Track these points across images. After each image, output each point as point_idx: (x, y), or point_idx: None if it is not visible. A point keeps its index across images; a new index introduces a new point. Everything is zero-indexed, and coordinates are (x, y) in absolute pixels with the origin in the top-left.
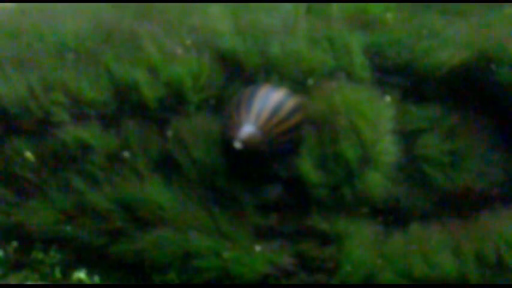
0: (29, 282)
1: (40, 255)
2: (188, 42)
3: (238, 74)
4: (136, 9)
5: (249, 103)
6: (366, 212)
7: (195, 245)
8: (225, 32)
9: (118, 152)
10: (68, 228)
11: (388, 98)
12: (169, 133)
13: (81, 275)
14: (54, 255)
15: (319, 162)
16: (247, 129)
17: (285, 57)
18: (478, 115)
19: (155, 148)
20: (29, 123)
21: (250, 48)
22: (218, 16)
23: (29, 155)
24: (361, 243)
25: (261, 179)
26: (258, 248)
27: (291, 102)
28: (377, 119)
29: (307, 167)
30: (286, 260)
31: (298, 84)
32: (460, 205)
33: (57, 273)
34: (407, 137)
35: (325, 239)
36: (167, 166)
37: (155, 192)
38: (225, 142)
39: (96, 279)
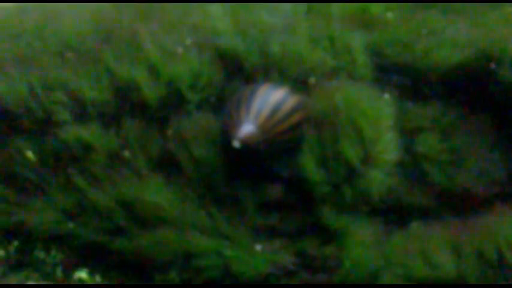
0: (30, 282)
1: (41, 255)
2: (188, 41)
3: (238, 73)
4: (136, 9)
5: (249, 102)
6: (367, 211)
7: (195, 244)
8: (225, 31)
9: (118, 151)
10: (69, 227)
11: (387, 96)
12: (170, 132)
13: (82, 274)
14: (56, 254)
15: (320, 161)
16: (247, 128)
17: (286, 57)
18: (477, 114)
19: (155, 147)
20: (30, 123)
21: (251, 47)
22: (218, 15)
23: (29, 154)
24: (362, 242)
25: (261, 178)
26: (258, 247)
27: (291, 102)
28: (377, 118)
29: (308, 165)
30: (287, 259)
31: (298, 84)
32: (460, 204)
33: (59, 273)
34: (408, 136)
35: (326, 238)
36: (167, 165)
37: (155, 191)
38: (225, 141)
39: (97, 279)
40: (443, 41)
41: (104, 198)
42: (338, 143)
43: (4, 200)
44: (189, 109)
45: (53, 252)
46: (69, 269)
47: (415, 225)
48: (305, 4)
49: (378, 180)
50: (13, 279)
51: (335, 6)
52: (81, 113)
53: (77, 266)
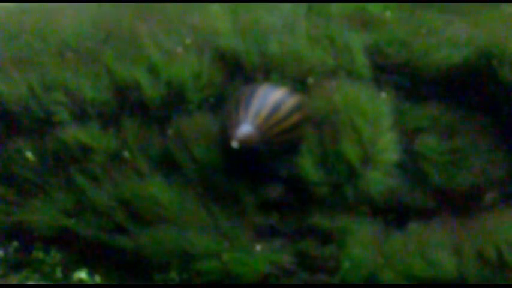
0: (29, 282)
1: (41, 255)
2: (188, 41)
3: (238, 73)
4: (136, 9)
5: (248, 102)
6: (366, 211)
7: (195, 244)
8: (225, 31)
9: (118, 151)
10: (69, 227)
11: (386, 96)
12: (170, 132)
13: (82, 275)
14: (55, 255)
15: (320, 161)
16: (245, 129)
17: (285, 56)
18: (477, 113)
19: (155, 147)
20: (30, 123)
21: (250, 47)
22: (218, 15)
23: (29, 154)
24: (362, 242)
25: (261, 178)
26: (258, 247)
27: (291, 102)
28: (377, 118)
29: (307, 165)
30: (286, 259)
31: (298, 83)
32: (460, 204)
33: (58, 273)
34: (407, 136)
35: (325, 238)
36: (167, 165)
37: (155, 191)
38: (225, 141)
39: (97, 279)
40: (442, 40)
41: (104, 198)
42: (337, 143)
43: (3, 200)
44: (189, 109)
45: (53, 253)
46: (68, 269)
47: (414, 225)
48: (305, 4)
49: (378, 180)
50: (12, 280)
51: (334, 6)
52: (81, 113)
53: (77, 266)
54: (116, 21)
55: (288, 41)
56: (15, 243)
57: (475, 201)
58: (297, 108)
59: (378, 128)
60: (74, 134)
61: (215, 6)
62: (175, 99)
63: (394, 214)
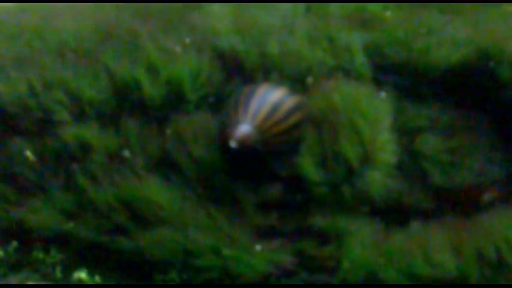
0: (29, 282)
1: (40, 255)
2: (187, 41)
3: (237, 73)
4: (135, 9)
5: (247, 102)
6: (366, 211)
7: (195, 244)
8: (224, 31)
9: (118, 151)
10: (69, 227)
11: (385, 95)
12: (169, 132)
13: (81, 274)
14: (55, 255)
15: (319, 161)
16: (243, 129)
17: (284, 56)
18: (477, 113)
19: (155, 147)
20: (29, 122)
21: (250, 47)
22: (217, 15)
23: (29, 154)
24: (362, 242)
25: (261, 178)
26: (258, 247)
27: (290, 102)
28: (376, 118)
29: (307, 165)
30: (286, 259)
31: (297, 83)
32: (460, 204)
33: (58, 273)
34: (407, 135)
35: (325, 238)
36: (167, 165)
37: (155, 190)
38: (224, 141)
39: (97, 279)
40: (442, 40)
41: (104, 198)
42: (337, 143)
43: (3, 200)
44: (188, 109)
45: (53, 253)
46: (68, 269)
47: (414, 225)
48: (304, 4)
49: (377, 180)
50: (12, 280)
51: (334, 6)
52: (81, 112)
53: (77, 266)
54: (115, 21)
55: (287, 41)
56: (15, 243)
57: (475, 200)
58: (296, 108)
59: (377, 127)
60: (73, 133)
61: (215, 6)
62: (175, 99)
63: (394, 214)
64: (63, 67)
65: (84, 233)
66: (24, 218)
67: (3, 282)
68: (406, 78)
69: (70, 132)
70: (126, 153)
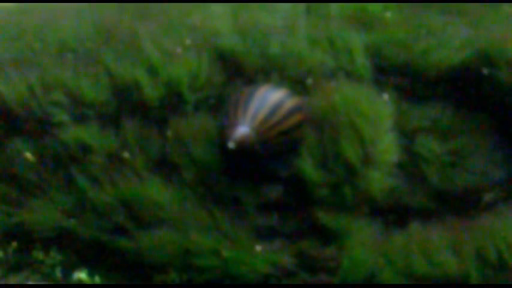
0: (29, 283)
1: (40, 256)
2: (188, 42)
3: (238, 73)
4: (135, 9)
5: (247, 103)
6: (367, 211)
7: (195, 244)
8: (224, 32)
9: (118, 152)
10: (69, 227)
11: (386, 96)
12: (169, 133)
13: (81, 275)
14: (55, 255)
15: (320, 162)
16: (242, 130)
17: (285, 57)
18: (477, 114)
19: (155, 148)
20: (29, 123)
21: (250, 48)
22: (218, 16)
23: (28, 155)
24: (362, 242)
25: (261, 179)
26: (258, 247)
27: (289, 104)
28: (377, 118)
29: (307, 166)
30: (286, 259)
31: (298, 84)
32: (460, 204)
33: (58, 274)
34: (407, 136)
35: (326, 239)
36: (166, 166)
37: (155, 191)
38: (223, 141)
39: (97, 280)
40: (442, 41)
41: (104, 199)
42: (338, 144)
43: (3, 201)
44: (188, 110)
45: (52, 253)
46: (68, 270)
47: (415, 226)
48: (304, 5)
49: (378, 180)
50: (12, 280)
51: (334, 7)
52: (81, 113)
53: (77, 267)
54: (115, 21)
55: (288, 42)
56: (15, 244)
57: (475, 201)
58: (296, 109)
59: (377, 128)
60: (73, 134)
61: (215, 6)
62: (175, 100)
63: (394, 214)
64: (63, 68)
65: (84, 233)
66: (24, 219)
67: (3, 282)
68: (406, 79)
69: (70, 133)
70: (126, 154)
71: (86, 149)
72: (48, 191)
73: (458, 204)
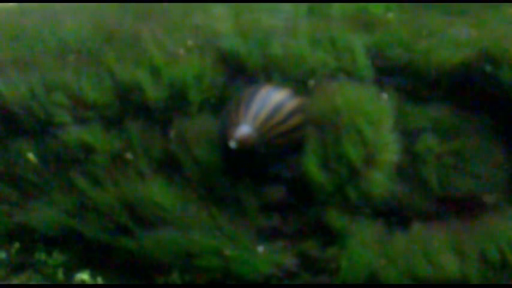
0: (32, 284)
1: (43, 257)
2: (190, 43)
3: (240, 74)
4: (137, 10)
5: (248, 103)
6: (369, 212)
7: (197, 245)
8: (226, 33)
9: (120, 153)
10: (71, 228)
11: (388, 97)
12: (172, 134)
13: (84, 276)
14: (57, 256)
15: (322, 162)
16: (244, 130)
17: (287, 58)
18: (479, 115)
19: (157, 149)
20: (31, 125)
21: (252, 48)
22: (220, 17)
23: (30, 156)
24: (364, 243)
25: (263, 179)
26: (260, 248)
27: (291, 104)
28: (378, 119)
29: (310, 166)
30: (289, 260)
31: (299, 85)
32: (462, 205)
33: (60, 275)
34: (409, 137)
35: (328, 239)
36: (169, 167)
37: (158, 192)
38: (225, 142)
39: (99, 281)
40: (444, 41)
41: (106, 200)
42: (340, 145)
43: (5, 202)
44: (191, 111)
45: (55, 254)
46: (70, 271)
47: (417, 227)
48: (306, 5)
49: (380, 181)
50: (15, 281)
51: (336, 7)
52: (82, 114)
53: (79, 268)
54: (117, 22)
55: (289, 43)
56: (17, 245)
57: (477, 202)
58: (298, 110)
59: (379, 129)
60: (75, 135)
61: (217, 7)
62: (177, 101)
63: (396, 215)
64: (65, 69)
65: (86, 234)
66: (26, 220)
67: (5, 283)
68: (408, 80)
69: (72, 134)
70: (129, 155)
71: (88, 149)
72: (50, 191)
73: (460, 206)
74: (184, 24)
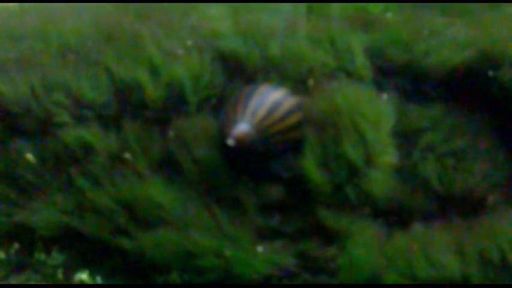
0: (31, 284)
1: (42, 257)
2: (189, 42)
3: (239, 74)
4: (137, 10)
5: (246, 101)
6: (369, 212)
7: (196, 245)
8: (225, 33)
9: (119, 153)
10: (70, 228)
11: (387, 97)
12: (171, 133)
13: (83, 276)
14: (57, 256)
15: (322, 162)
16: (241, 127)
17: (286, 58)
18: (479, 115)
19: (156, 148)
20: (31, 124)
21: (251, 48)
22: (219, 16)
23: (29, 156)
24: (364, 243)
25: (263, 179)
26: (260, 248)
27: (289, 102)
28: (378, 119)
29: (309, 166)
30: (288, 260)
31: (299, 85)
32: (463, 205)
33: (60, 275)
34: (409, 137)
35: (327, 239)
36: (168, 166)
37: (156, 192)
38: (221, 139)
39: (99, 280)
40: (443, 41)
41: (105, 199)
42: (339, 144)
43: (4, 202)
44: (189, 110)
45: (54, 254)
46: (70, 271)
47: (417, 227)
48: (305, 5)
49: (380, 181)
50: (14, 281)
51: (335, 7)
52: (82, 114)
53: (78, 268)
54: (116, 22)
55: (288, 42)
56: (16, 245)
57: (478, 202)
58: (296, 109)
59: (379, 129)
60: (74, 135)
61: (216, 7)
62: (176, 101)
63: (396, 215)
64: (65, 68)
65: (85, 234)
66: (26, 220)
67: (5, 283)
68: (407, 80)
69: (71, 134)
70: (128, 155)
71: (87, 149)
72: (50, 191)
73: (460, 206)
74: (183, 24)
